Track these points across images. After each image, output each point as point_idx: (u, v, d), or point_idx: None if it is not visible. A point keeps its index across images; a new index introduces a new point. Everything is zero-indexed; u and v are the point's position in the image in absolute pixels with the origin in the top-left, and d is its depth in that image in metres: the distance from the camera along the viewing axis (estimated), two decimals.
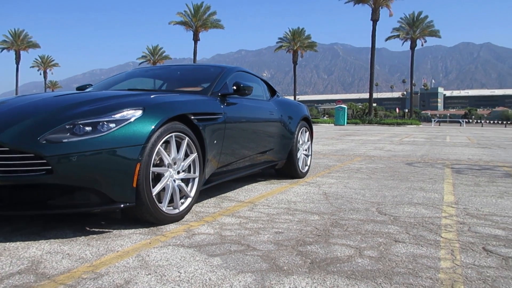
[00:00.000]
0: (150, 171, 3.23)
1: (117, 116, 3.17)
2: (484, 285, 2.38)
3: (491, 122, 72.29)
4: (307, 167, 6.44)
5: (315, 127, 34.57)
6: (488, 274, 2.55)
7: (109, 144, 3.02)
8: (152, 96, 3.67)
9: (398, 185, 5.76)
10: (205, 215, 3.84)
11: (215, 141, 4.08)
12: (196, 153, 3.75)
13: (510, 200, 4.79)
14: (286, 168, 6.00)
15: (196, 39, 61.43)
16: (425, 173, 6.98)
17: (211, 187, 5.07)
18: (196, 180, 3.80)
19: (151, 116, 3.29)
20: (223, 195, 4.81)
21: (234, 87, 4.57)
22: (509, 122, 71.47)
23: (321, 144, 14.07)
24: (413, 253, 2.91)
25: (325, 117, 69.50)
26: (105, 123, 3.09)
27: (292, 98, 54.83)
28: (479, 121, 79.53)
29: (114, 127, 3.09)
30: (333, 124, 45.62)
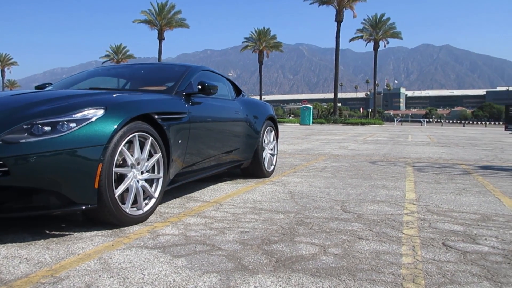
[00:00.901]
0: (113, 172, 3.16)
1: (78, 115, 3.09)
2: (443, 279, 2.44)
3: (451, 121, 74.61)
4: (272, 167, 6.46)
5: (281, 127, 34.79)
6: (447, 268, 2.62)
7: (69, 144, 2.94)
8: (114, 95, 3.60)
9: (362, 183, 5.85)
10: (170, 216, 3.79)
11: (179, 141, 4.04)
12: (160, 153, 3.70)
13: (468, 197, 4.94)
14: (252, 168, 6.00)
15: (161, 38, 60.73)
16: (388, 171, 7.13)
17: (176, 187, 5.01)
18: (161, 181, 3.75)
19: (113, 116, 3.23)
20: (188, 195, 4.77)
21: (199, 86, 4.53)
22: (467, 122, 73.91)
23: (287, 143, 14.16)
24: (376, 249, 2.96)
25: (291, 117, 70.03)
26: (65, 122, 3.01)
27: (258, 98, 54.94)
28: (439, 120, 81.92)
29: (74, 127, 3.01)
30: (298, 124, 46.02)
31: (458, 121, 75.51)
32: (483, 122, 77.18)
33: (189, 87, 4.50)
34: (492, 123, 77.06)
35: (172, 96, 4.26)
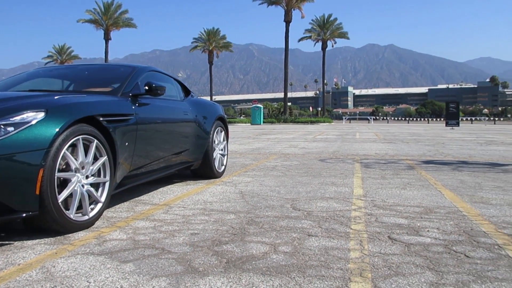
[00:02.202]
0: (55, 177, 3.05)
1: (17, 118, 2.95)
2: (389, 271, 2.52)
3: (396, 118, 77.27)
4: (223, 167, 6.44)
5: (232, 127, 34.78)
6: (392, 261, 2.70)
7: (7, 149, 2.80)
8: (56, 97, 3.47)
9: (312, 181, 5.94)
10: (118, 220, 3.70)
11: (126, 143, 3.94)
12: (106, 156, 3.60)
13: (412, 191, 5.13)
14: (202, 169, 5.96)
15: (107, 38, 59.21)
16: (337, 169, 7.28)
17: (125, 191, 4.90)
18: (107, 185, 3.65)
19: (55, 118, 3.10)
20: (137, 198, 4.67)
21: (146, 87, 4.45)
22: (411, 118, 76.76)
23: (238, 143, 14.17)
24: (325, 245, 3.01)
25: (241, 117, 70.13)
26: (2, 126, 2.86)
27: (208, 98, 54.66)
28: (385, 118, 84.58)
29: (12, 131, 2.87)
30: (249, 124, 46.16)
31: (403, 118, 78.36)
32: (426, 119, 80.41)
33: (136, 88, 4.40)
34: (434, 119, 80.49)
35: (118, 97, 4.16)
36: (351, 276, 2.46)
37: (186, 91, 6.09)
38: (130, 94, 4.31)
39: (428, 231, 3.37)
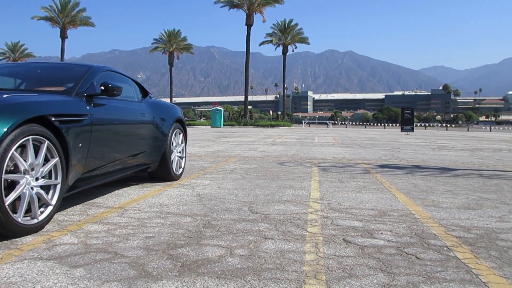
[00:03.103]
0: (2, 179, 2.92)
1: None
2: (343, 273, 2.55)
3: (354, 123, 78.93)
4: (181, 169, 6.37)
5: (191, 130, 34.49)
6: (347, 263, 2.74)
7: None
8: (4, 96, 3.33)
9: (270, 184, 5.96)
10: (69, 224, 3.58)
11: (80, 145, 3.83)
12: (57, 158, 3.48)
13: (367, 194, 5.23)
14: (160, 171, 5.87)
15: (63, 36, 57.58)
16: (295, 172, 7.34)
17: (78, 193, 4.75)
18: (58, 187, 3.53)
19: (2, 118, 2.98)
20: (90, 201, 4.54)
21: (102, 88, 4.34)
22: (368, 124, 78.61)
23: (197, 146, 14.07)
24: (281, 248, 3.02)
25: (202, 119, 69.71)
26: None
27: (168, 100, 54.02)
28: (343, 122, 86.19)
29: None
30: (209, 126, 45.96)
31: (361, 123, 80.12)
32: (383, 124, 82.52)
33: (91, 88, 4.29)
34: (391, 124, 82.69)
35: (72, 97, 4.04)
36: (305, 278, 2.47)
37: (144, 92, 5.99)
38: (85, 94, 4.19)
39: (381, 233, 3.44)
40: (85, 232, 3.34)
